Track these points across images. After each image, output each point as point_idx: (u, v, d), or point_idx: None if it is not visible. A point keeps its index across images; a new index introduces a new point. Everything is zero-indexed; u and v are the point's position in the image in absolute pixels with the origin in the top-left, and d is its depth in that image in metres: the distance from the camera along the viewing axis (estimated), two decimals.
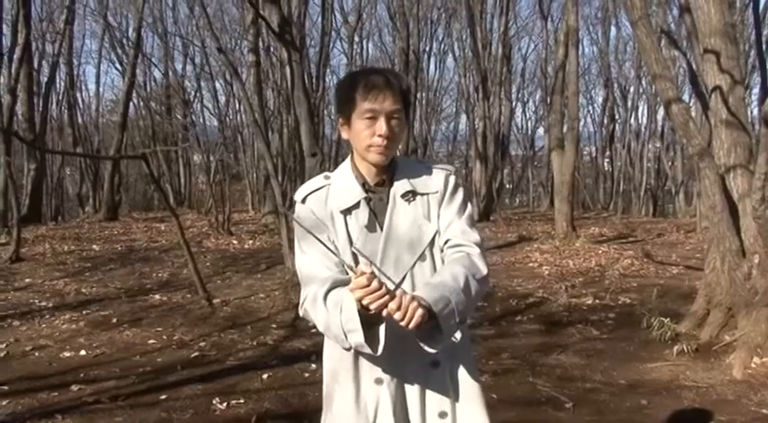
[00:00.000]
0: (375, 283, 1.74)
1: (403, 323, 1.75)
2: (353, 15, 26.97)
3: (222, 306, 7.65)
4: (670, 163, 26.70)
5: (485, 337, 6.29)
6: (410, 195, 2.06)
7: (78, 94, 27.77)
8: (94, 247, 12.33)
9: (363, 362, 2.02)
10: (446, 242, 2.06)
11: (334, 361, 2.09)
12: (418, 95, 24.92)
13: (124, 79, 20.73)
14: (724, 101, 6.24)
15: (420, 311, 1.75)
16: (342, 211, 2.04)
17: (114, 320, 7.04)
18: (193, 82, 29.82)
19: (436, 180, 2.10)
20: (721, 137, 6.23)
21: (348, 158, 2.14)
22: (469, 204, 2.16)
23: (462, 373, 2.07)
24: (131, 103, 28.87)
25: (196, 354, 5.91)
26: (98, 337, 6.43)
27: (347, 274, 1.95)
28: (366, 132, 1.99)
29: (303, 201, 2.09)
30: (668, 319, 6.20)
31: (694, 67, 7.38)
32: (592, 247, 11.53)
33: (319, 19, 23.30)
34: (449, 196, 2.10)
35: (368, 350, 1.86)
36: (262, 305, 7.68)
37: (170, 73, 27.95)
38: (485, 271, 2.03)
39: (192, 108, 30.16)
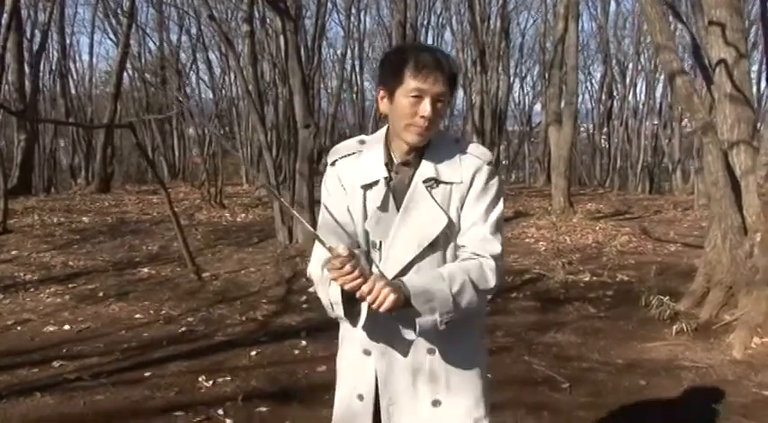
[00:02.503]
0: (348, 267, 1.74)
1: (374, 306, 1.77)
2: None
3: (212, 280, 7.49)
4: (667, 140, 26.52)
5: None
6: (432, 182, 1.98)
7: (72, 65, 27.49)
8: (84, 219, 12.11)
9: (359, 331, 1.99)
10: (463, 246, 2.00)
11: (342, 327, 2.13)
12: None
13: (118, 49, 20.38)
14: (728, 74, 6.07)
15: (392, 297, 1.75)
16: (362, 186, 2.00)
17: (101, 294, 6.89)
18: (189, 53, 29.49)
19: (464, 170, 2.00)
20: (725, 112, 6.07)
21: (384, 128, 2.08)
22: (500, 205, 2.04)
23: (459, 362, 2.04)
24: (126, 75, 28.65)
25: (183, 329, 5.77)
26: (83, 312, 6.29)
27: (358, 245, 1.99)
28: (409, 111, 1.91)
29: (333, 164, 2.07)
30: (667, 297, 6.06)
31: (697, 39, 7.18)
32: (589, 224, 11.38)
33: None
34: (478, 193, 2.00)
35: (348, 323, 1.91)
36: (252, 279, 7.53)
37: (165, 44, 27.56)
38: (492, 284, 1.95)
39: (187, 80, 29.84)
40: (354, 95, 33.62)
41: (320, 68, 26.35)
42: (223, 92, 27.29)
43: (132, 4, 19.20)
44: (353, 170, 2.03)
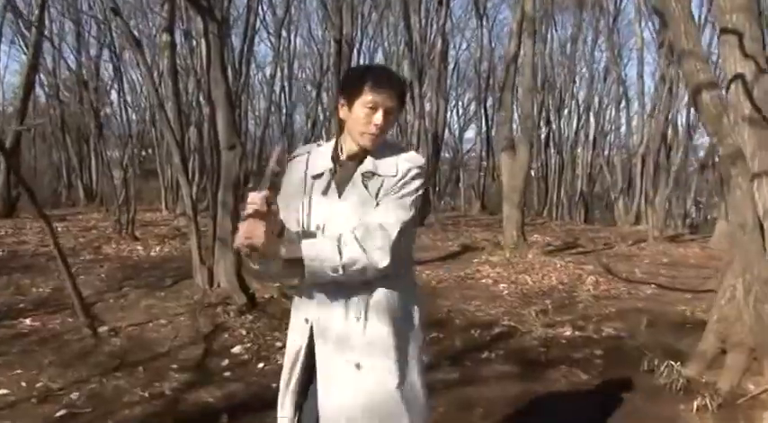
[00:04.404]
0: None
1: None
2: (281, 8, 25.58)
3: (110, 336, 5.90)
4: (607, 167, 26.22)
5: (447, 384, 4.85)
6: (369, 175, 2.30)
7: None
8: None
9: (302, 300, 2.40)
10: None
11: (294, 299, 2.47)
12: None
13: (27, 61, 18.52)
14: (747, 93, 5.05)
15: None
16: (312, 177, 2.37)
17: None
18: (110, 71, 27.77)
19: (400, 166, 2.30)
20: (744, 137, 5.03)
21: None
22: (418, 195, 2.30)
23: (379, 330, 2.28)
24: (42, 91, 26.67)
25: (63, 412, 4.30)
26: None
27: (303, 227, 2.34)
28: (364, 120, 2.27)
29: (290, 160, 2.38)
30: (678, 363, 4.94)
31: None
32: (547, 261, 10.29)
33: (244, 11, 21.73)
34: (402, 183, 2.28)
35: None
36: (162, 334, 6.02)
37: (83, 59, 25.68)
38: (379, 243, 2.18)
39: (108, 98, 28.16)
40: (283, 118, 32.33)
41: (248, 88, 24.90)
42: (145, 111, 25.65)
43: (42, 12, 17.45)
44: (304, 165, 2.39)
